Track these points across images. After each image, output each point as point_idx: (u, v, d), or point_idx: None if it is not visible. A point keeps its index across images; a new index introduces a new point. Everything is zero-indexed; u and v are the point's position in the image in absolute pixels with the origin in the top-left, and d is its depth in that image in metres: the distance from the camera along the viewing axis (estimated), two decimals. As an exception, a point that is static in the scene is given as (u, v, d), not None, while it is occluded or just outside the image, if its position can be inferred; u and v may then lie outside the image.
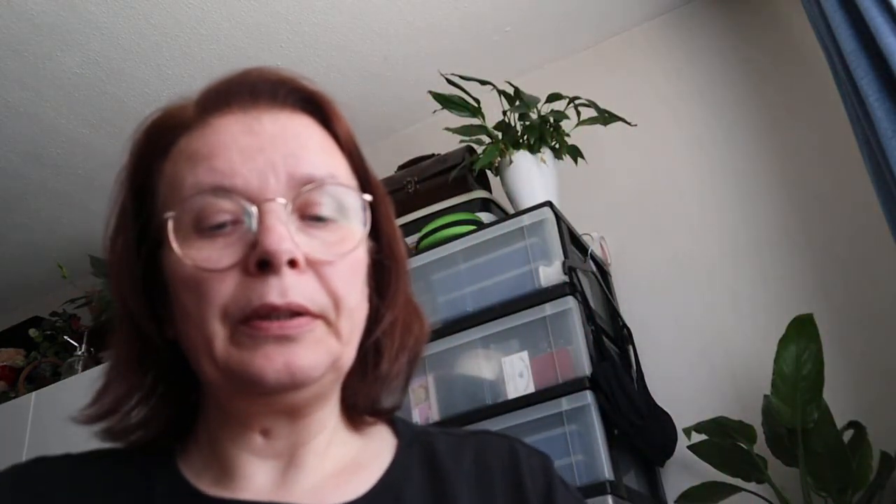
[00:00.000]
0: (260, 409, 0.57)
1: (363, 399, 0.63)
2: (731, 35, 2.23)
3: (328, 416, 0.61)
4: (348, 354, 0.57)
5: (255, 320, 0.52)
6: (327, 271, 0.54)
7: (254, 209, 0.53)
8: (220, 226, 0.53)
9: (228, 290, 0.52)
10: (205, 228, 0.54)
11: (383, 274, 0.63)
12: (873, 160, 1.54)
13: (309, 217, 0.55)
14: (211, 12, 2.10)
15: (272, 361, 0.52)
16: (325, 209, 0.56)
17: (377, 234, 0.62)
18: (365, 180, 0.62)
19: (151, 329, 0.58)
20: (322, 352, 0.54)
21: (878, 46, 1.45)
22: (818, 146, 2.00)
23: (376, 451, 0.64)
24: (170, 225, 0.54)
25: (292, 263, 0.52)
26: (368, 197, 0.58)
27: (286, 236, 0.52)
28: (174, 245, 0.53)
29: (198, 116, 0.58)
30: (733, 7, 2.25)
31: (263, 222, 0.52)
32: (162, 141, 0.59)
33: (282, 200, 0.53)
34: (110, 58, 2.20)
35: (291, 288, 0.52)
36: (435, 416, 1.72)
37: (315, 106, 0.61)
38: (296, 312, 0.52)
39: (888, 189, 1.50)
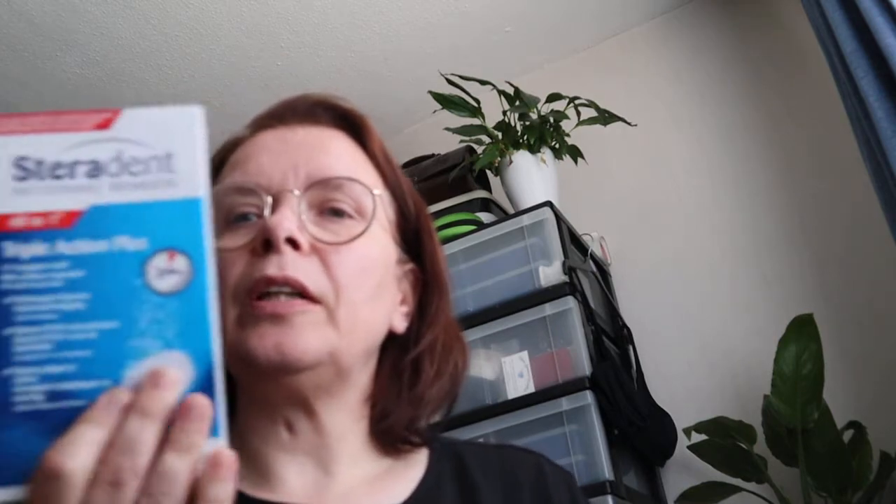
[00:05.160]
0: (274, 394, 0.58)
1: (398, 421, 0.63)
2: (731, 35, 2.23)
3: (346, 420, 0.61)
4: (349, 350, 0.58)
5: (256, 300, 0.54)
6: (333, 259, 0.56)
7: (269, 199, 0.57)
8: (244, 217, 0.58)
9: (238, 271, 0.56)
10: (231, 221, 0.58)
11: (425, 293, 0.65)
12: (873, 160, 1.54)
13: (328, 211, 0.59)
14: (211, 12, 2.10)
15: (264, 340, 0.54)
16: (342, 205, 0.59)
17: (419, 253, 0.65)
18: (401, 197, 0.65)
19: None
20: (317, 338, 0.55)
21: (878, 46, 1.45)
22: (818, 146, 2.00)
23: (408, 462, 0.65)
24: None
25: (294, 245, 0.55)
26: (378, 191, 0.61)
27: (290, 218, 0.55)
28: None
29: (248, 134, 0.64)
30: (733, 7, 2.25)
31: (275, 207, 0.57)
32: (220, 157, 0.65)
33: (296, 192, 0.57)
34: (110, 58, 2.20)
35: (290, 264, 0.54)
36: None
37: (350, 124, 0.65)
38: (295, 293, 0.54)
39: (888, 189, 1.50)
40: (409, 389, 0.64)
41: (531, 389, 1.65)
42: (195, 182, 0.39)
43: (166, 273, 0.37)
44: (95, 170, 0.38)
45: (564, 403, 1.59)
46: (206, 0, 2.06)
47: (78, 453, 0.34)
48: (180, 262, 0.37)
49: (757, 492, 1.61)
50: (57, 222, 0.37)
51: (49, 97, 2.29)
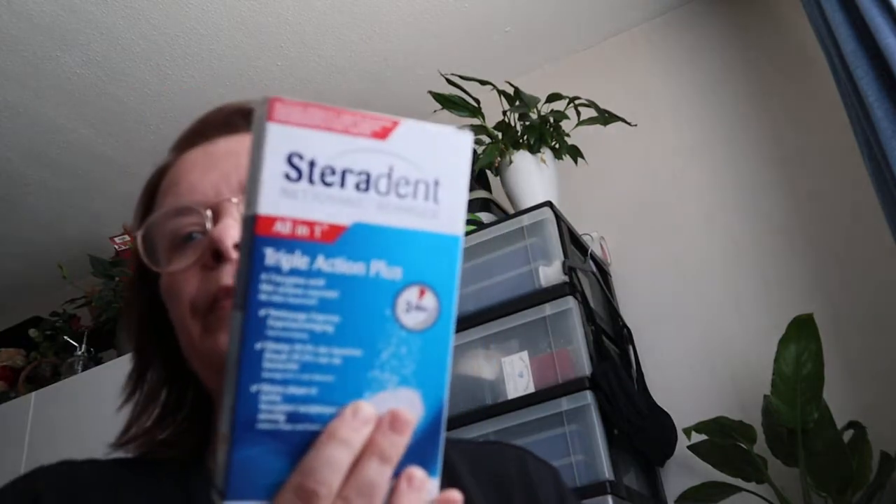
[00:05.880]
0: None
1: None
2: (731, 35, 2.23)
3: None
4: None
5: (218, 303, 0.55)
6: None
7: (208, 212, 0.58)
8: (189, 237, 0.58)
9: (193, 287, 0.56)
10: (178, 245, 0.58)
11: None
12: (873, 160, 1.54)
13: None
14: (211, 12, 2.10)
15: None
16: None
17: None
18: None
19: (161, 357, 0.64)
20: None
21: (878, 46, 1.45)
22: (818, 146, 2.00)
23: None
24: (139, 238, 0.59)
25: None
26: None
27: (233, 225, 0.56)
28: (141, 253, 0.59)
29: (172, 158, 0.65)
30: (733, 7, 2.25)
31: (216, 220, 0.57)
32: (151, 187, 0.65)
33: (233, 199, 0.58)
34: (110, 58, 2.20)
35: None
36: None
37: None
38: None
39: (888, 189, 1.50)
40: None
41: (531, 389, 1.65)
42: (456, 218, 0.37)
43: (414, 309, 0.36)
44: (365, 183, 0.36)
45: (564, 403, 1.59)
46: (206, 0, 2.06)
47: (332, 480, 0.34)
48: (429, 300, 0.36)
49: (757, 492, 1.61)
50: (320, 236, 0.35)
51: (49, 97, 2.29)
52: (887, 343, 1.76)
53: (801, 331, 1.57)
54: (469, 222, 1.93)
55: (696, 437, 1.65)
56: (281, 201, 0.34)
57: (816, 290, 1.88)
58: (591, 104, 1.95)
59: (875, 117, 1.45)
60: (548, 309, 1.68)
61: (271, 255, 0.34)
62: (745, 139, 2.11)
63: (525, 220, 1.80)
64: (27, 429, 2.36)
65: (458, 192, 0.37)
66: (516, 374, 1.68)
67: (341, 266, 0.35)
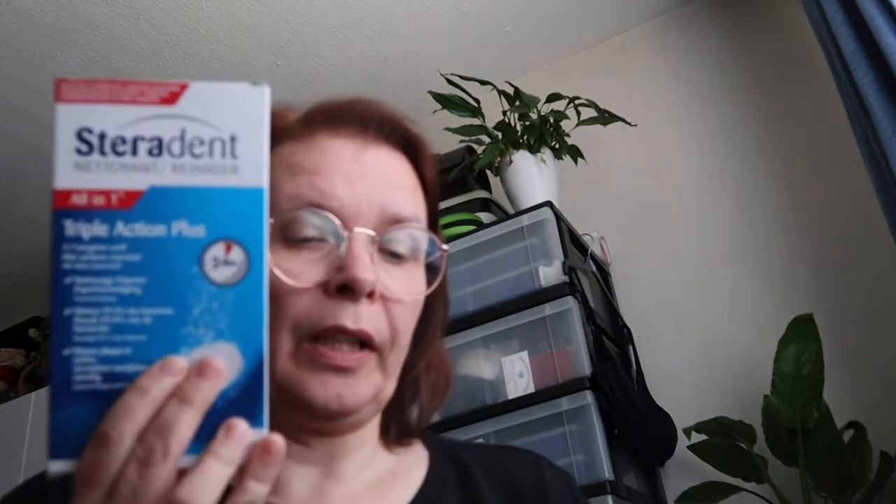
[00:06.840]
0: (301, 423, 0.58)
1: (400, 427, 0.66)
2: (731, 35, 2.23)
3: (365, 438, 0.63)
4: (389, 388, 0.60)
5: (321, 345, 0.54)
6: (394, 307, 0.57)
7: (345, 233, 0.55)
8: (306, 240, 0.55)
9: (304, 305, 0.54)
10: (291, 239, 0.56)
11: (428, 315, 0.65)
12: (873, 160, 1.54)
13: (387, 252, 0.58)
14: (211, 12, 2.10)
15: (326, 389, 0.54)
16: (402, 247, 0.59)
17: (433, 276, 0.64)
18: (435, 223, 0.65)
19: None
20: (370, 385, 0.56)
21: (878, 46, 1.45)
22: (818, 146, 2.00)
23: (410, 463, 0.66)
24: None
25: (369, 294, 0.54)
26: (446, 247, 0.61)
27: (369, 267, 0.54)
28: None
29: (304, 129, 0.60)
30: (733, 7, 2.25)
31: (352, 249, 0.55)
32: (275, 130, 0.63)
33: (371, 232, 0.56)
34: (110, 58, 2.20)
35: (364, 316, 0.54)
36: (435, 416, 1.72)
37: (412, 148, 0.63)
38: (360, 341, 0.55)
39: (888, 189, 1.50)
40: (411, 403, 0.66)
41: (531, 389, 1.65)
42: (258, 170, 0.38)
43: (222, 264, 0.38)
44: (157, 148, 0.38)
45: (564, 403, 1.59)
46: (206, 0, 2.06)
47: (122, 423, 0.35)
48: (237, 254, 0.38)
49: (757, 492, 1.61)
50: (117, 203, 0.37)
51: (49, 97, 2.29)
52: (887, 343, 1.76)
53: (801, 331, 1.57)
54: (469, 222, 1.93)
55: (696, 437, 1.65)
56: (75, 175, 0.37)
57: (816, 290, 1.88)
58: (591, 104, 1.95)
59: (875, 117, 1.45)
60: (548, 309, 1.68)
61: (70, 226, 0.36)
62: (745, 139, 2.11)
63: (525, 220, 1.80)
64: (27, 429, 2.36)
65: (257, 144, 0.39)
66: (516, 374, 1.68)
67: (141, 229, 0.37)
